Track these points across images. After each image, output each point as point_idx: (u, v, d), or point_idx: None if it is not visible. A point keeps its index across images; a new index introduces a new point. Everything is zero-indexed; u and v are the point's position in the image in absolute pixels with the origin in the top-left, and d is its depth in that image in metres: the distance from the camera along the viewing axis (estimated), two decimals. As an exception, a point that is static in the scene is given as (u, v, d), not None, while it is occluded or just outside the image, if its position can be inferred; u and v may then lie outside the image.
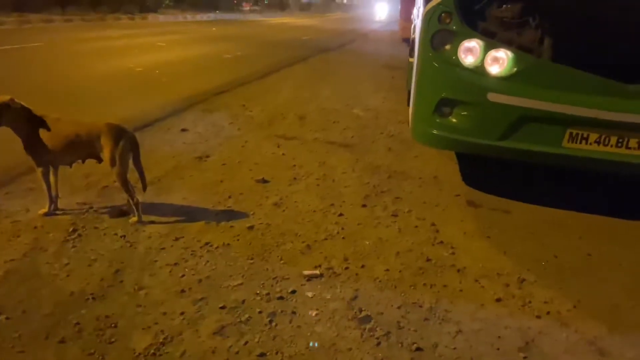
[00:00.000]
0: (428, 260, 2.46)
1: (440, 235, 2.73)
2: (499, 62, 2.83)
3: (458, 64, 2.93)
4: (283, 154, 4.05)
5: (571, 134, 2.78)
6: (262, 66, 8.85)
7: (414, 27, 4.99)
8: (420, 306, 2.08)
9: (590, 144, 2.78)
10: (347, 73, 8.91)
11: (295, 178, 3.52)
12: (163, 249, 2.42)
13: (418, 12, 4.02)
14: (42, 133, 2.48)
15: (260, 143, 4.33)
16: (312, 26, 24.36)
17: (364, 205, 3.09)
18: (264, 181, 3.41)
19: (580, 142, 2.78)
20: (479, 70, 2.89)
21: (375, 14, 41.12)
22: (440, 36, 2.99)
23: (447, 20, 2.95)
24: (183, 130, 4.56)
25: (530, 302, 2.16)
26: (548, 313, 2.09)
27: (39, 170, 2.58)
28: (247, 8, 37.65)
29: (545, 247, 2.67)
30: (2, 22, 13.67)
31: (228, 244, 2.50)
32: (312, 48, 12.75)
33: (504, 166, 3.71)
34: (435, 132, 3.09)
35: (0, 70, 7.23)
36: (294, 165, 3.78)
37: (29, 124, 2.48)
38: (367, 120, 5.38)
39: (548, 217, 3.06)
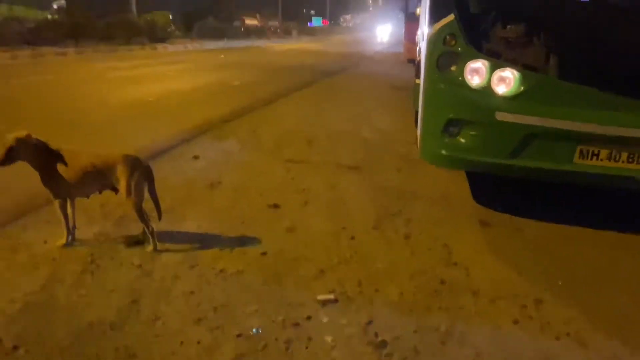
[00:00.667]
0: (442, 282, 2.45)
1: (453, 256, 2.72)
2: (506, 81, 2.86)
3: (464, 85, 2.97)
4: (293, 178, 4.09)
5: (582, 150, 2.78)
6: (270, 92, 8.97)
7: (419, 49, 5.05)
8: (437, 329, 2.07)
9: (602, 160, 2.79)
10: (354, 96, 9.00)
11: (306, 202, 3.54)
12: (178, 277, 2.44)
13: (423, 35, 4.08)
14: (60, 165, 2.53)
15: (270, 168, 4.37)
16: (317, 51, 24.71)
17: (375, 228, 3.10)
18: (275, 206, 3.43)
19: (592, 159, 2.79)
20: (486, 90, 2.92)
21: (377, 37, 42.07)
22: (445, 58, 3.04)
23: (452, 42, 3.00)
24: (195, 157, 4.62)
25: (548, 322, 2.14)
26: (568, 334, 2.06)
27: (56, 202, 2.63)
28: (274, 30, 39.06)
29: (560, 264, 2.65)
30: (16, 55, 14.06)
31: (242, 271, 2.51)
32: (318, 72, 12.91)
33: (514, 184, 3.71)
34: (444, 152, 3.12)
35: (15, 103, 7.41)
36: (304, 189, 3.81)
37: (45, 158, 2.53)
38: (375, 141, 5.42)
39: (561, 234, 3.04)
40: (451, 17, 2.95)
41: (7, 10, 22.68)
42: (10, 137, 2.48)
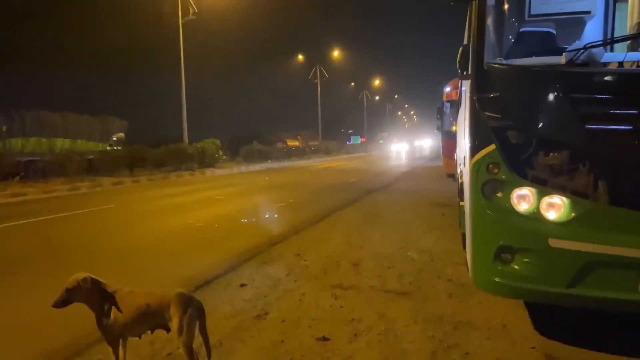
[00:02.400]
0: None
1: (521, 399, 2.49)
2: (555, 207, 2.82)
3: (513, 211, 2.93)
4: (341, 307, 3.99)
5: (646, 278, 2.63)
6: (313, 212, 9.16)
7: (461, 172, 5.12)
8: None
9: (670, 287, 2.61)
10: (396, 213, 9.03)
11: (355, 334, 3.41)
12: None
13: (464, 160, 4.14)
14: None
15: (317, 295, 4.31)
16: (355, 168, 25.53)
17: (432, 364, 2.92)
18: (324, 339, 3.32)
19: (658, 287, 2.61)
20: (535, 216, 2.87)
21: (393, 152, 45.28)
22: (490, 185, 3.04)
23: (495, 171, 3.01)
24: (242, 285, 4.63)
25: None
26: None
27: (109, 343, 2.65)
28: (315, 150, 42.57)
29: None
30: (77, 187, 15.19)
31: (293, 418, 2.37)
32: (359, 190, 13.20)
33: (579, 311, 3.47)
34: (497, 280, 3.00)
35: (77, 233, 7.88)
36: (353, 319, 3.69)
37: (101, 301, 2.61)
38: (423, 263, 5.30)
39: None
40: (492, 146, 3.01)
41: (70, 144, 25.11)
42: (70, 279, 2.61)
